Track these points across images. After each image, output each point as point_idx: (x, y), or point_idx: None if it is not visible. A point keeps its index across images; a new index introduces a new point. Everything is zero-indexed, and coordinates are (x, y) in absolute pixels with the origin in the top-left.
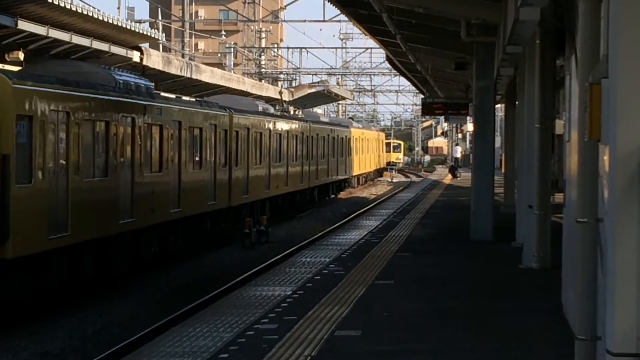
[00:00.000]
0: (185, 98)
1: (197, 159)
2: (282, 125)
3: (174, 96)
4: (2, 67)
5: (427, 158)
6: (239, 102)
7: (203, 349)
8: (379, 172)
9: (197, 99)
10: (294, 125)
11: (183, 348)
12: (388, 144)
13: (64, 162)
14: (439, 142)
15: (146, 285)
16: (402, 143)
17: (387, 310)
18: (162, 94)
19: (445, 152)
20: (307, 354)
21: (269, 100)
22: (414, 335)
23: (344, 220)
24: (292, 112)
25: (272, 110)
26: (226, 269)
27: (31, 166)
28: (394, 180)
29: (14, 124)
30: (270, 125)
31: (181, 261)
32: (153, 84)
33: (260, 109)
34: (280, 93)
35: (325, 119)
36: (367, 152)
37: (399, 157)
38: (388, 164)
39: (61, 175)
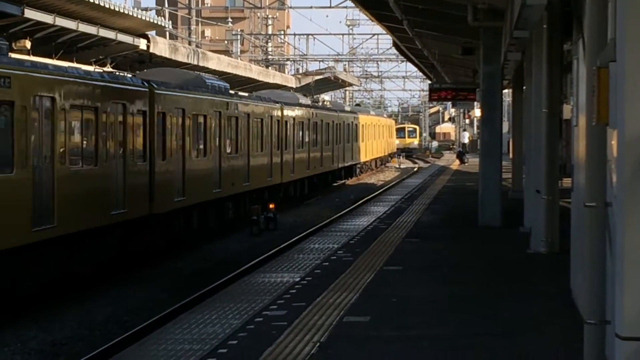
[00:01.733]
0: (242, 94)
1: (260, 144)
2: (318, 115)
3: (245, 94)
4: (141, 78)
5: (435, 144)
6: (282, 96)
7: (212, 336)
8: (388, 159)
9: (256, 95)
10: (328, 114)
11: (192, 335)
12: (402, 129)
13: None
14: (446, 127)
15: (155, 272)
16: (417, 127)
17: (396, 295)
18: (237, 92)
19: (452, 137)
20: (316, 340)
21: (276, 87)
22: (423, 320)
23: (352, 207)
24: (321, 103)
25: (309, 102)
26: (234, 256)
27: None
28: (402, 166)
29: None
30: (309, 115)
31: (189, 249)
32: (229, 84)
33: (301, 101)
34: (311, 85)
35: (348, 108)
36: (379, 138)
37: (414, 143)
38: (403, 150)
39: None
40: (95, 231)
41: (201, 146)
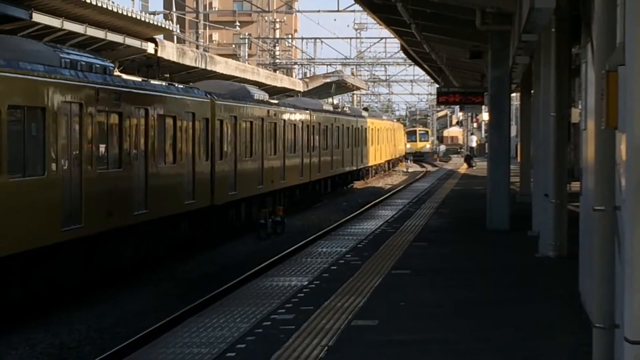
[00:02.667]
0: (273, 101)
1: (293, 147)
2: (339, 120)
3: (276, 101)
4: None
5: (443, 147)
6: (308, 103)
7: (220, 339)
8: (395, 163)
9: (286, 101)
10: (347, 119)
11: (200, 338)
12: (412, 132)
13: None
14: (454, 131)
15: (162, 276)
16: (429, 130)
17: (404, 299)
18: (271, 100)
19: (460, 141)
20: (324, 343)
21: (283, 91)
22: (431, 324)
23: (360, 210)
24: (340, 109)
25: (331, 108)
26: (242, 260)
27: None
28: (409, 170)
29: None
30: (332, 120)
31: (197, 252)
32: (267, 94)
33: (324, 107)
34: (332, 94)
35: (365, 114)
36: (387, 142)
37: (426, 147)
38: (414, 155)
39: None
40: (172, 217)
41: (248, 148)
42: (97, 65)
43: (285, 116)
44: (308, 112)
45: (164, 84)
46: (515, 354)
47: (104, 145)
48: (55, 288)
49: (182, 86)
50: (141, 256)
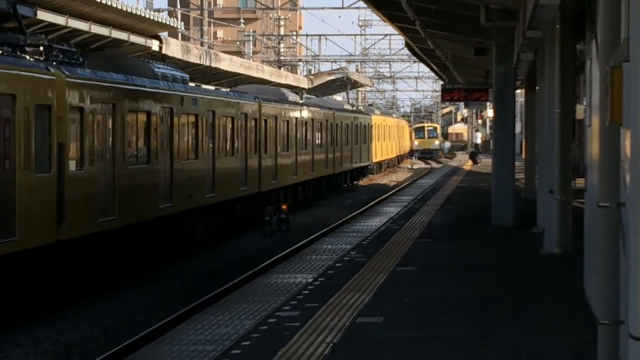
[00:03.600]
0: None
1: (320, 142)
2: (358, 118)
3: (302, 101)
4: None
5: (447, 144)
6: (330, 103)
7: (225, 337)
8: (401, 159)
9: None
10: (364, 117)
11: (205, 335)
12: (421, 129)
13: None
14: (459, 128)
15: (167, 273)
16: (437, 126)
17: (409, 296)
18: (299, 100)
19: (465, 138)
20: (329, 340)
21: (287, 88)
22: (436, 321)
23: (365, 207)
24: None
25: (350, 107)
26: (247, 257)
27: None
28: (414, 167)
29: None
30: (352, 119)
31: (202, 249)
32: (298, 96)
33: (345, 107)
34: (347, 93)
35: (378, 112)
36: (400, 138)
37: (435, 143)
38: (423, 152)
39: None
40: (230, 201)
41: (286, 144)
42: (178, 77)
43: (313, 115)
44: (332, 112)
45: (223, 89)
46: (520, 350)
47: (185, 141)
48: (153, 255)
49: (237, 90)
50: (209, 231)
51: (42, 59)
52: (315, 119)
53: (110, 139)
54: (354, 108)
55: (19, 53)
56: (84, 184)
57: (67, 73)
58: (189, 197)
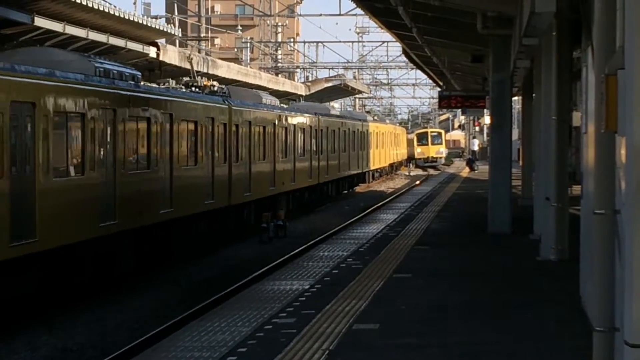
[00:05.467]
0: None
1: (333, 148)
2: (364, 125)
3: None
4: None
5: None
6: (315, 107)
7: (221, 343)
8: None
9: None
10: (354, 122)
11: (201, 342)
12: (423, 134)
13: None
14: (456, 135)
15: (164, 279)
16: (442, 132)
17: (405, 303)
18: (333, 112)
19: (462, 145)
20: (325, 347)
21: (284, 94)
22: (433, 328)
23: (362, 214)
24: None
25: (337, 112)
26: (244, 264)
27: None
28: (412, 173)
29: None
30: (360, 127)
31: (199, 256)
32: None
33: (332, 112)
34: (364, 107)
35: (388, 121)
36: (398, 145)
37: (440, 151)
38: (426, 161)
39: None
40: (275, 196)
41: (307, 149)
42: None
43: (330, 124)
44: (344, 121)
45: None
46: (516, 357)
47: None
48: (196, 243)
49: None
50: (241, 225)
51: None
52: (330, 127)
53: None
54: (339, 113)
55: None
56: None
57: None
58: (229, 196)
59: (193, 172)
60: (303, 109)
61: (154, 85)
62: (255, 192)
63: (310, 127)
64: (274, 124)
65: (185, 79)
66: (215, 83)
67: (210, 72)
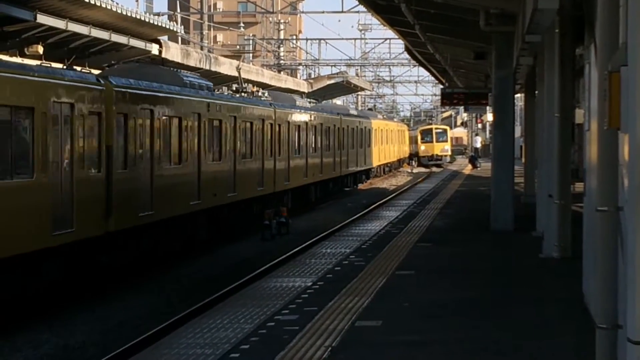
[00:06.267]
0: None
1: (352, 144)
2: (380, 124)
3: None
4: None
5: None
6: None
7: (224, 340)
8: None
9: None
10: (388, 123)
11: (204, 339)
12: (428, 131)
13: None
14: (458, 132)
15: (166, 277)
16: (447, 128)
17: (408, 300)
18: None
19: (465, 142)
20: (327, 344)
21: (287, 92)
22: (435, 325)
23: (365, 211)
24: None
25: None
26: (246, 261)
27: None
28: (414, 171)
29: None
30: (375, 126)
31: (201, 253)
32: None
33: (354, 113)
34: (374, 108)
35: (397, 119)
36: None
37: (445, 149)
38: (431, 159)
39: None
40: (306, 186)
41: (330, 144)
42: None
43: (349, 123)
44: (361, 119)
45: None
46: (519, 354)
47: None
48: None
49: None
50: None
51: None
52: (349, 126)
53: None
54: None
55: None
56: None
57: None
58: (259, 185)
59: (249, 164)
60: (327, 109)
61: (225, 94)
62: (293, 182)
63: (334, 125)
64: (306, 123)
65: (235, 85)
66: (260, 89)
67: (213, 69)
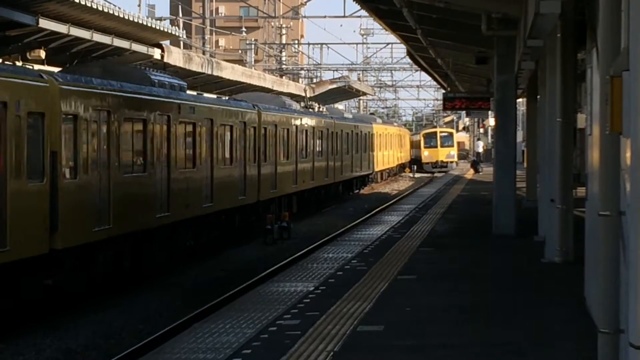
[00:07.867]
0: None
1: (357, 148)
2: (387, 129)
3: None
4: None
5: None
6: (365, 117)
7: (226, 345)
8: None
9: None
10: (392, 128)
11: (206, 344)
12: (432, 135)
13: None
14: (460, 136)
15: (168, 281)
16: (453, 132)
17: (410, 305)
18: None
19: (467, 146)
20: (329, 349)
21: (289, 96)
22: (437, 330)
23: (366, 216)
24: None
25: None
26: (248, 265)
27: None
28: (416, 175)
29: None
30: (382, 130)
31: (203, 258)
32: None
33: (377, 120)
34: (391, 112)
35: (385, 121)
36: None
37: (451, 154)
38: (435, 165)
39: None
40: (318, 187)
41: (343, 149)
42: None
43: (356, 128)
44: (367, 124)
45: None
46: (521, 359)
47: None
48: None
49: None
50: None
51: None
52: (354, 131)
53: None
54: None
55: None
56: None
57: None
58: (274, 188)
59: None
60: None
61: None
62: (300, 185)
63: (352, 131)
64: (328, 130)
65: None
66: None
67: (215, 73)
